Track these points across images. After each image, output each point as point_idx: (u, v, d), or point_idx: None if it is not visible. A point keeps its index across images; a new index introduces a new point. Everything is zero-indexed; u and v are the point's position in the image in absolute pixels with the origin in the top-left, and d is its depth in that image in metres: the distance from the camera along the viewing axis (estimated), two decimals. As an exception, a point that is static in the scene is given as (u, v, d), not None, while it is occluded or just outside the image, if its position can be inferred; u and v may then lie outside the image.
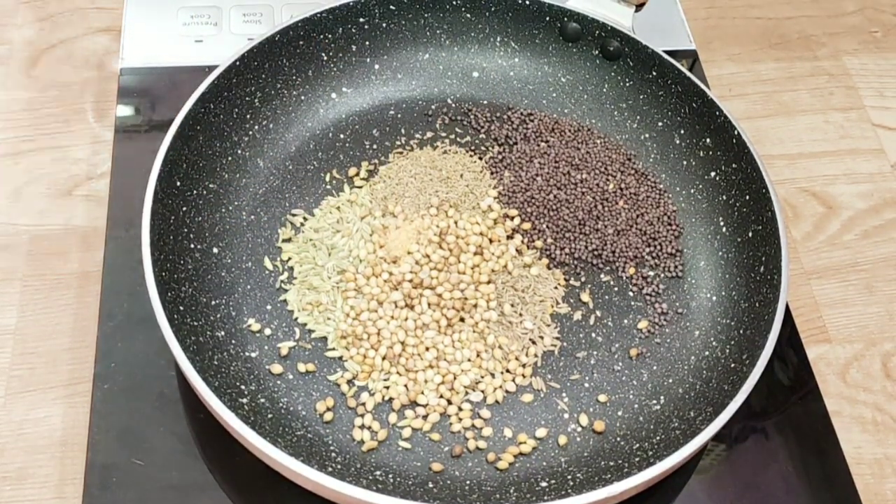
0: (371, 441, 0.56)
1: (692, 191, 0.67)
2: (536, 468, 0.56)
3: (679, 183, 0.68)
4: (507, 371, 0.60)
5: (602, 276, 0.64)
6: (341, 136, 0.70)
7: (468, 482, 0.55)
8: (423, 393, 0.58)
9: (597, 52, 0.70)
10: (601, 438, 0.58)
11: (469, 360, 0.59)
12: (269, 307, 0.61)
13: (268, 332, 0.60)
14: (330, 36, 0.69)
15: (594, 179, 0.67)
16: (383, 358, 0.59)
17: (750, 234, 0.63)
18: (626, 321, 0.63)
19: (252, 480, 0.55)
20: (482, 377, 0.59)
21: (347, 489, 0.49)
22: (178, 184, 0.61)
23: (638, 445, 0.56)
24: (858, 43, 0.86)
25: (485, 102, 0.72)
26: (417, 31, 0.72)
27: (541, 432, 0.58)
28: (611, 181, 0.67)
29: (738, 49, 0.84)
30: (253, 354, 0.59)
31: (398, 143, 0.70)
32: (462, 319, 0.61)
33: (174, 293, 0.57)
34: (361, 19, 0.70)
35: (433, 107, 0.72)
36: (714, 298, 0.63)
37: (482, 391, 0.59)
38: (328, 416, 0.57)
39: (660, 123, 0.69)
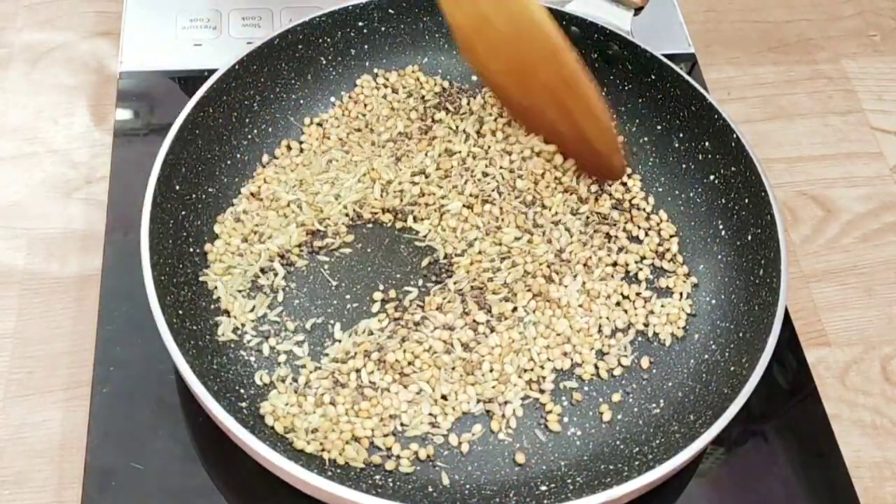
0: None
1: (691, 194, 0.67)
2: (536, 472, 0.56)
3: (678, 186, 0.68)
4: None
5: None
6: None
7: (468, 486, 0.55)
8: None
9: (596, 55, 0.70)
10: (600, 442, 0.58)
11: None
12: (268, 311, 0.61)
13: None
14: (329, 40, 0.69)
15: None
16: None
17: (749, 238, 0.63)
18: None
19: (251, 484, 0.55)
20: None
21: (347, 493, 0.49)
22: (177, 188, 0.61)
23: (637, 449, 0.56)
24: (857, 46, 0.86)
25: (484, 106, 0.72)
26: (416, 34, 0.72)
27: (540, 436, 0.58)
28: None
29: (736, 53, 0.84)
30: (252, 358, 0.59)
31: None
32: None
33: (173, 297, 0.57)
34: (360, 23, 0.70)
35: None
36: (713, 302, 0.63)
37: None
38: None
39: (658, 127, 0.69)
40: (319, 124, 0.69)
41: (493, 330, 0.60)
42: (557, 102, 0.60)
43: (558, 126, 0.62)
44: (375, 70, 0.72)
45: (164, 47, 0.75)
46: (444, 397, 0.58)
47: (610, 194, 0.67)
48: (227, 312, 0.60)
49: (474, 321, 0.60)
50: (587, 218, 0.66)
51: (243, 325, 0.59)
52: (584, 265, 0.64)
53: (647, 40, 0.68)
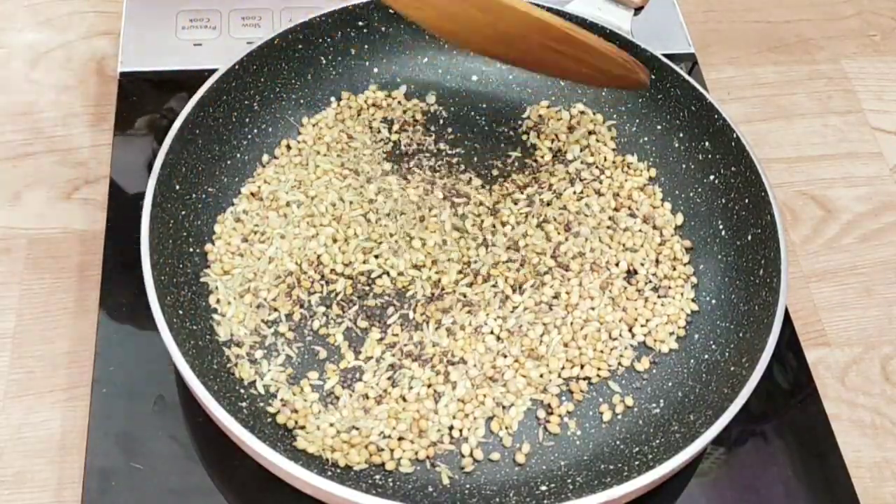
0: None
1: (691, 194, 0.67)
2: (536, 472, 0.56)
3: (678, 186, 0.68)
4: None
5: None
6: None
7: (468, 486, 0.55)
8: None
9: (596, 55, 0.70)
10: (600, 442, 0.58)
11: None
12: (268, 311, 0.61)
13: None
14: (329, 40, 0.69)
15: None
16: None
17: (749, 238, 0.63)
18: (625, 325, 0.63)
19: (251, 484, 0.55)
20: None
21: (347, 493, 0.49)
22: (178, 188, 0.61)
23: (637, 449, 0.56)
24: (857, 46, 0.86)
25: (483, 106, 0.72)
26: (416, 34, 0.72)
27: (540, 436, 0.58)
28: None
29: (736, 53, 0.84)
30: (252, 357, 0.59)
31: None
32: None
33: (173, 297, 0.57)
34: (360, 23, 0.70)
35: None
36: (713, 302, 0.63)
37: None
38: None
39: (658, 127, 0.69)
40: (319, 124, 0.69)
41: (498, 337, 0.60)
42: (560, 53, 0.58)
43: (569, 66, 0.61)
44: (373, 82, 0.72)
45: (164, 47, 0.75)
46: (462, 400, 0.58)
47: (613, 194, 0.67)
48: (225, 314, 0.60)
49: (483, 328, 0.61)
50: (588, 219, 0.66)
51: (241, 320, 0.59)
52: (584, 266, 0.64)
53: (647, 40, 0.68)
